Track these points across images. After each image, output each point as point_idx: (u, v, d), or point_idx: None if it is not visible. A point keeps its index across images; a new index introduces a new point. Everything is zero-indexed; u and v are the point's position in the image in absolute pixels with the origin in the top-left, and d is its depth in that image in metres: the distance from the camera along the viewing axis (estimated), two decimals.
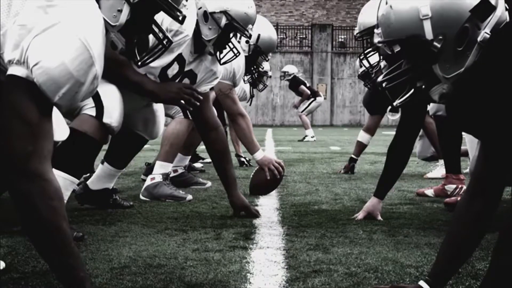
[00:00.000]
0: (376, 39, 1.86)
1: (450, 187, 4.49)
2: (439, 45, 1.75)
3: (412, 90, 1.82)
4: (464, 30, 1.74)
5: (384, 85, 1.83)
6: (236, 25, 3.53)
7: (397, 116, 1.88)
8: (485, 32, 1.75)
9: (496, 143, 1.81)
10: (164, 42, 2.47)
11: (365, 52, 3.83)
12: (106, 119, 3.12)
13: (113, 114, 3.14)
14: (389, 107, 1.83)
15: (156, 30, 2.39)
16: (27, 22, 1.66)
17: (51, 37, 1.66)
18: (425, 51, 1.76)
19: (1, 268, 2.32)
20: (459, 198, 4.46)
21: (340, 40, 27.55)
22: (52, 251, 1.74)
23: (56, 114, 1.89)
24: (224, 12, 3.51)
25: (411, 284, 2.12)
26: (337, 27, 28.05)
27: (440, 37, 1.74)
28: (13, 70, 1.67)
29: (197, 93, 3.37)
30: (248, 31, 3.60)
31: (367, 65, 3.81)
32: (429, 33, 1.75)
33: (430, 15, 1.74)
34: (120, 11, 2.19)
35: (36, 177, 1.68)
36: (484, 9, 1.74)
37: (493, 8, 1.75)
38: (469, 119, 1.82)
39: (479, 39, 1.75)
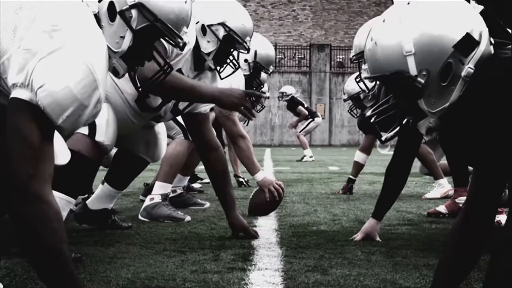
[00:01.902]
0: (364, 75, 1.89)
1: (461, 199, 4.51)
2: (423, 81, 1.76)
3: (401, 125, 1.85)
4: (447, 65, 1.76)
5: (373, 119, 1.86)
6: (234, 36, 3.56)
7: (387, 149, 1.92)
8: (469, 67, 1.76)
9: (488, 171, 1.83)
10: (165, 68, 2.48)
11: (361, 74, 3.86)
12: (98, 138, 3.14)
13: (105, 133, 3.16)
14: (378, 142, 1.84)
15: (157, 56, 2.40)
16: (32, 46, 1.68)
17: (56, 61, 1.68)
18: (410, 86, 1.78)
19: None
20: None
21: (338, 60, 27.67)
22: (51, 273, 1.74)
23: (57, 138, 1.91)
24: (222, 24, 3.55)
25: None
26: (335, 47, 28.19)
27: (424, 73, 1.76)
28: (16, 93, 1.69)
29: (257, 97, 3.28)
30: (246, 43, 3.62)
31: (363, 87, 3.84)
32: (413, 69, 1.76)
33: (414, 51, 1.76)
34: (122, 37, 2.21)
35: (36, 199, 1.69)
36: (467, 44, 1.75)
37: (477, 43, 1.77)
38: (460, 150, 1.84)
39: (463, 74, 1.76)
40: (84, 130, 3.11)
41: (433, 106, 1.79)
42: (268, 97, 7.56)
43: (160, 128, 3.74)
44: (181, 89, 3.09)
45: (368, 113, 1.87)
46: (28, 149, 1.69)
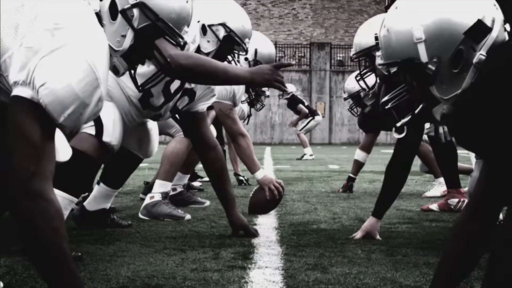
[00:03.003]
0: (377, 61, 1.90)
1: (453, 201, 4.77)
2: (433, 68, 1.77)
3: (414, 112, 1.85)
4: (458, 52, 1.76)
5: (389, 105, 1.87)
6: (234, 37, 3.57)
7: (403, 134, 1.94)
8: (480, 54, 1.76)
9: (499, 163, 1.82)
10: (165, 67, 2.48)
11: (361, 72, 3.86)
12: (106, 138, 3.13)
13: (112, 133, 3.16)
14: (393, 128, 1.87)
15: (157, 55, 2.40)
16: (34, 44, 1.69)
17: (57, 59, 1.68)
18: (421, 73, 1.78)
19: None
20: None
21: (338, 58, 27.67)
22: (52, 272, 1.74)
23: (59, 134, 1.91)
24: (223, 24, 3.57)
25: None
26: (335, 46, 28.18)
27: (435, 60, 1.76)
28: (18, 91, 1.69)
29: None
30: (245, 45, 3.64)
31: (363, 85, 3.84)
32: (423, 56, 1.77)
33: (424, 38, 1.76)
34: (124, 36, 2.21)
35: (37, 197, 1.70)
36: (478, 31, 1.75)
37: (489, 30, 1.77)
38: (472, 139, 1.83)
39: (474, 61, 1.76)
40: (91, 130, 3.11)
41: (445, 92, 1.79)
42: (268, 96, 7.52)
43: (152, 125, 3.74)
44: (215, 73, 3.05)
45: (385, 98, 1.88)
46: (29, 147, 1.69)
